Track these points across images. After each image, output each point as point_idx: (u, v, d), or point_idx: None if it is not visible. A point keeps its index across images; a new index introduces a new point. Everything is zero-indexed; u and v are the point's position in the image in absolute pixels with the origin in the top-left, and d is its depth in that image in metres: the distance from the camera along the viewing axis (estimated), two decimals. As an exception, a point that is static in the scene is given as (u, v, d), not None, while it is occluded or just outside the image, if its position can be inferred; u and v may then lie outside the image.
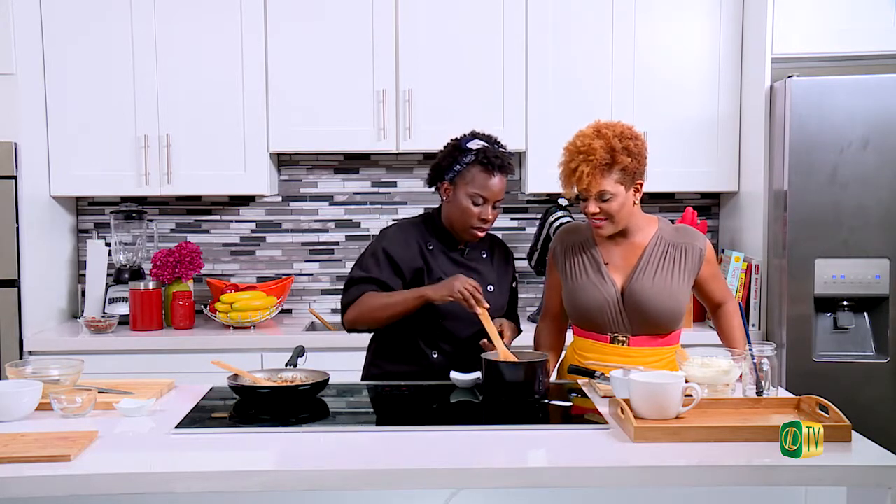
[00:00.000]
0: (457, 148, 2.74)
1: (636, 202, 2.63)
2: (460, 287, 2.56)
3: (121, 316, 3.83)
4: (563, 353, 2.86)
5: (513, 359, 2.51)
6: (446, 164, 2.74)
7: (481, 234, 2.75)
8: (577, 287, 2.67)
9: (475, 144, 2.72)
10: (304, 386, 2.38)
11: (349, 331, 2.80)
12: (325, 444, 2.11)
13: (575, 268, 2.69)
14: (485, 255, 2.84)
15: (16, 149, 3.57)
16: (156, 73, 3.80)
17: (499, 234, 4.07)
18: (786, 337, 3.50)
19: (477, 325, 2.63)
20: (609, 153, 2.53)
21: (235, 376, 2.46)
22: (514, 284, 2.91)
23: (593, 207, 2.57)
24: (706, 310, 2.85)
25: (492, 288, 2.79)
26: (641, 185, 2.62)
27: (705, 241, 2.71)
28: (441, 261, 2.77)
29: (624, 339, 2.63)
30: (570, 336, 2.83)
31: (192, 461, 1.99)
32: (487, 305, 2.58)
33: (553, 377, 2.83)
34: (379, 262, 2.74)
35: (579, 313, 2.69)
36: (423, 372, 2.74)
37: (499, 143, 2.78)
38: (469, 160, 2.70)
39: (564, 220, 3.75)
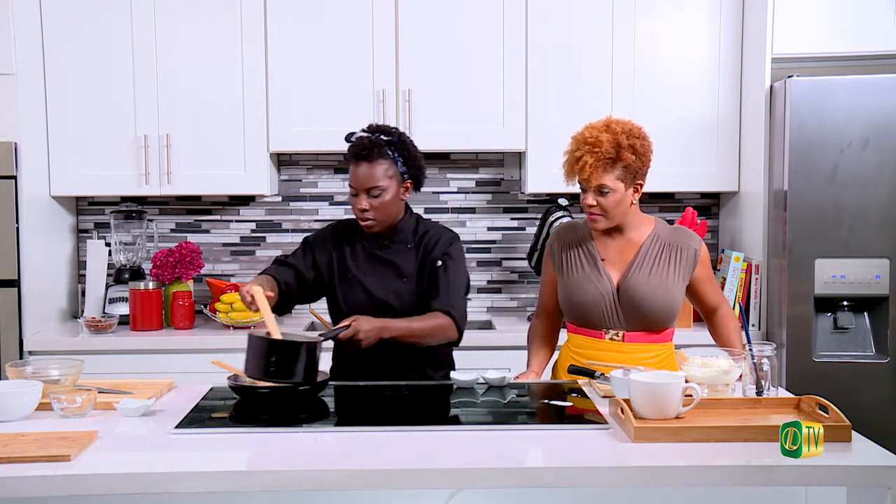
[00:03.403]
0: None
1: (634, 202, 2.64)
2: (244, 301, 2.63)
3: (121, 316, 3.83)
4: (558, 351, 2.86)
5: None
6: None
7: (367, 224, 2.76)
8: (573, 282, 2.68)
9: (348, 142, 2.79)
10: (305, 386, 2.38)
11: None
12: (325, 444, 2.11)
13: (571, 263, 2.70)
14: (409, 247, 2.83)
15: (16, 149, 3.57)
16: (156, 73, 3.80)
17: (499, 234, 4.08)
18: (786, 337, 3.50)
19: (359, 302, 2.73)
20: (615, 148, 2.55)
21: (235, 376, 2.47)
22: (437, 263, 2.78)
23: (591, 200, 2.59)
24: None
25: (405, 279, 2.79)
26: (641, 185, 2.64)
27: (701, 242, 2.72)
28: (360, 258, 2.82)
29: (618, 335, 2.64)
30: (564, 336, 2.83)
31: (192, 461, 1.99)
32: (250, 300, 2.58)
33: (548, 376, 2.83)
34: (298, 251, 2.90)
35: (574, 308, 2.69)
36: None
37: (380, 128, 2.80)
38: (349, 158, 2.78)
39: (564, 220, 3.74)
